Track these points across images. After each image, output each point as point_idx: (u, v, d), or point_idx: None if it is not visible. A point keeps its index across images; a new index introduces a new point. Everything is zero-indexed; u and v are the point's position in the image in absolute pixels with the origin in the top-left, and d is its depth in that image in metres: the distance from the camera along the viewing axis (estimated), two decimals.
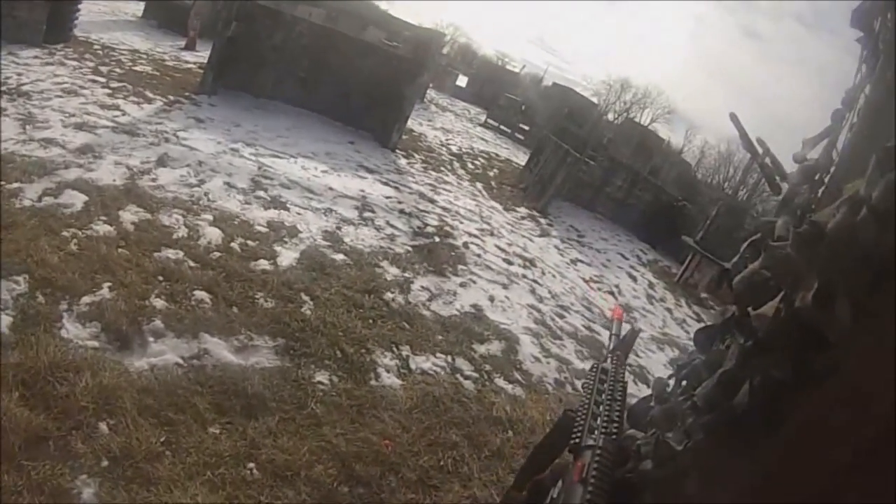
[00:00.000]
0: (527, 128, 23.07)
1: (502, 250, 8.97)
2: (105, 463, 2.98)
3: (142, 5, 21.82)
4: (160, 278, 4.69)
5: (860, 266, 0.67)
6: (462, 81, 36.33)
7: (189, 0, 18.43)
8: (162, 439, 3.17)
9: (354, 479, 3.41)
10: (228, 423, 3.44)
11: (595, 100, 39.52)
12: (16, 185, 5.48)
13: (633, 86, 51.97)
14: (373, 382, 4.35)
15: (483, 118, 26.07)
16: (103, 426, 3.18)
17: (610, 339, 1.50)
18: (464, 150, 17.17)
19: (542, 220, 12.25)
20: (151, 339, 3.99)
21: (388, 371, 4.58)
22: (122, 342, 3.91)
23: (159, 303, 4.37)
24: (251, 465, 3.21)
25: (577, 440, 1.02)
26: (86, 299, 4.16)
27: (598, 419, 1.07)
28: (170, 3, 19.88)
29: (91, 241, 4.91)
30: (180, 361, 3.85)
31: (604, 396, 1.14)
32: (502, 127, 24.70)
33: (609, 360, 1.30)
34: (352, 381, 4.24)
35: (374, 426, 3.83)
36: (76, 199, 5.52)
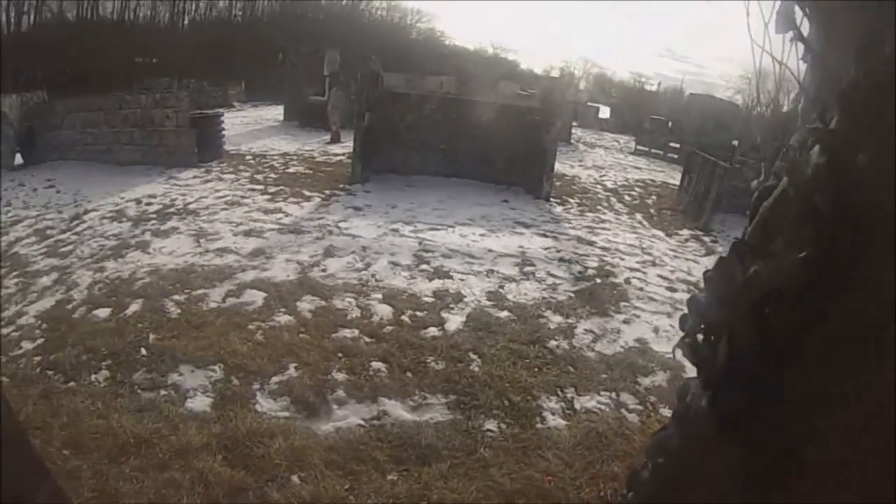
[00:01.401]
0: (677, 145, 22.38)
1: (665, 279, 8.94)
2: None
3: (281, 109, 23.82)
4: (339, 355, 5.41)
5: None
6: (605, 112, 35.82)
7: (323, 96, 19.88)
8: (346, 486, 3.77)
9: None
10: (405, 471, 3.97)
11: (739, 98, 37.46)
12: (200, 291, 6.63)
13: (771, 72, 48.89)
14: (538, 425, 4.65)
15: (633, 146, 25.54)
16: (295, 478, 3.83)
17: None
18: (618, 183, 17.00)
19: (706, 239, 11.97)
20: (335, 406, 4.69)
21: (553, 413, 4.85)
22: (310, 411, 4.63)
23: (340, 375, 5.08)
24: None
25: None
26: (275, 379, 4.99)
27: None
28: (307, 102, 21.35)
29: (274, 330, 5.80)
30: (362, 423, 4.49)
31: None
32: (653, 150, 23.98)
33: None
34: (518, 426, 4.57)
35: (539, 465, 4.12)
36: (256, 297, 6.51)
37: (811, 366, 0.93)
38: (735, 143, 16.65)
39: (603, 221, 12.21)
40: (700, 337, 1.18)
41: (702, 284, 1.25)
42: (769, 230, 1.07)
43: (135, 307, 6.29)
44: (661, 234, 11.88)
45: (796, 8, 1.14)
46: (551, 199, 13.23)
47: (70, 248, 8.82)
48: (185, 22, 41.20)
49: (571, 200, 13.72)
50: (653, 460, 1.40)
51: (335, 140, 18.09)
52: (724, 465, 1.10)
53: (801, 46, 1.14)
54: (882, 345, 0.86)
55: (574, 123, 27.58)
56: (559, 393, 5.20)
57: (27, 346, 5.62)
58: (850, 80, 0.90)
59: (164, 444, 4.08)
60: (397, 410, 4.66)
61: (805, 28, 1.12)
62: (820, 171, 0.94)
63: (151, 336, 5.63)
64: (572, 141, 24.90)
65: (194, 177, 13.33)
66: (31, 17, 33.84)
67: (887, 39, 0.84)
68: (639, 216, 13.24)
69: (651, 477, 1.35)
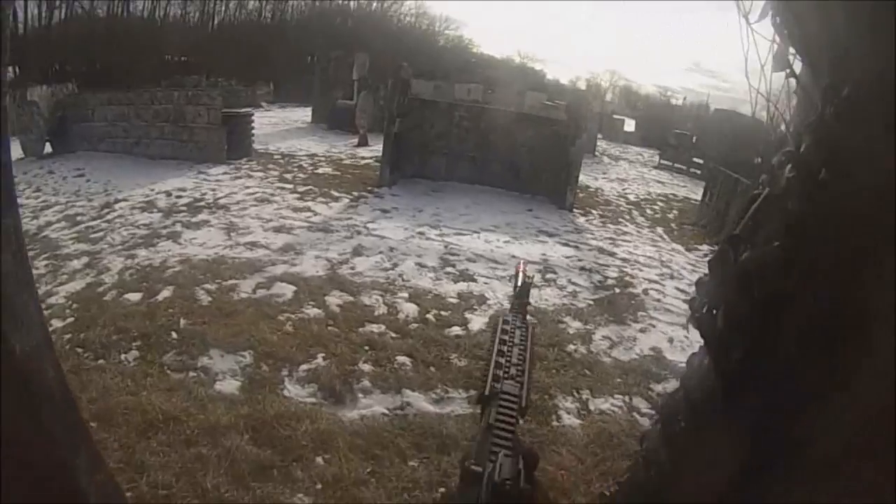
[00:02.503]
0: (700, 161, 22.31)
1: (682, 291, 9.04)
2: (319, 486, 3.79)
3: (308, 111, 24.00)
4: (366, 348, 5.64)
5: None
6: (630, 125, 35.65)
7: (351, 100, 20.10)
8: (368, 470, 3.96)
9: None
10: (425, 458, 4.17)
11: (764, 115, 37.06)
12: (231, 281, 6.86)
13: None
14: (554, 423, 4.83)
15: (657, 160, 25.50)
16: (319, 459, 4.02)
17: (514, 289, 1.61)
18: (641, 197, 17.11)
19: None
20: (361, 395, 4.90)
21: (568, 413, 5.03)
22: (336, 398, 4.84)
23: (366, 367, 5.29)
24: (442, 489, 3.86)
25: (484, 391, 1.08)
26: (303, 367, 5.20)
27: (502, 369, 1.13)
28: (335, 105, 21.52)
29: (303, 322, 6.03)
30: (386, 412, 4.69)
31: (505, 347, 1.20)
32: (676, 165, 23.82)
33: (510, 311, 1.37)
34: (535, 422, 4.74)
35: (553, 459, 4.29)
36: (286, 290, 6.73)
37: (791, 326, 1.17)
38: (758, 160, 16.60)
39: (624, 233, 12.34)
40: (704, 311, 1.43)
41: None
42: (756, 225, 1.32)
43: (166, 293, 6.51)
44: (680, 247, 11.97)
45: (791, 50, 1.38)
46: (574, 210, 13.36)
47: (100, 234, 9.08)
48: (215, 22, 41.57)
49: (594, 212, 13.86)
50: (662, 419, 1.62)
51: (362, 143, 18.26)
52: (728, 423, 1.31)
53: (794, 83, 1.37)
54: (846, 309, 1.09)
55: (599, 136, 27.60)
56: (575, 394, 5.37)
57: (57, 323, 5.79)
58: (817, 114, 1.16)
59: (192, 422, 4.25)
60: (420, 402, 4.87)
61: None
62: (790, 183, 1.20)
63: (182, 321, 5.85)
64: (597, 153, 24.96)
65: (224, 173, 13.59)
66: (62, 12, 34.34)
67: (847, 82, 1.09)
68: (660, 230, 13.35)
69: (660, 435, 1.57)
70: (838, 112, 1.11)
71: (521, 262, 1.57)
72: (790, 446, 1.15)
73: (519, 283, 1.61)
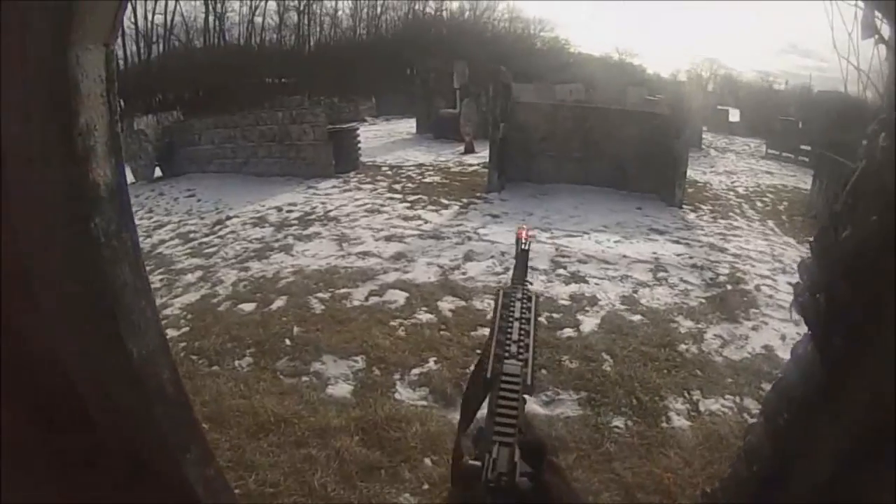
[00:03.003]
0: (808, 148, 21.10)
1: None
2: (426, 486, 3.84)
3: (413, 122, 24.28)
4: (478, 351, 5.65)
5: None
6: (735, 115, 34.19)
7: (454, 109, 20.21)
8: None
9: None
10: None
11: (869, 94, 34.55)
12: (344, 290, 7.08)
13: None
14: (663, 425, 4.78)
15: (763, 149, 24.48)
16: (427, 461, 4.08)
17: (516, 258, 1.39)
18: (750, 189, 16.52)
19: None
20: None
21: (678, 414, 4.96)
22: (447, 401, 4.93)
23: None
24: None
25: (486, 373, 0.99)
26: (415, 371, 5.34)
27: (505, 347, 1.04)
28: (439, 115, 21.66)
29: (416, 327, 6.17)
30: None
31: (505, 323, 1.10)
32: (784, 154, 22.75)
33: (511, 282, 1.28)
34: (644, 424, 4.72)
35: (660, 462, 4.25)
36: (398, 297, 6.89)
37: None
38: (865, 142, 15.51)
39: (735, 228, 11.97)
40: (807, 295, 1.37)
41: None
42: (854, 202, 1.25)
43: (279, 303, 6.84)
44: (792, 240, 11.51)
45: (877, 14, 1.30)
46: (684, 206, 13.07)
47: (213, 249, 9.58)
48: (311, 43, 42.83)
49: (704, 207, 13.52)
50: (765, 413, 1.57)
51: (469, 150, 18.44)
52: (833, 414, 1.26)
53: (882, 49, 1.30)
54: None
55: (704, 128, 26.73)
56: (685, 395, 5.28)
57: (172, 332, 6.13)
58: None
59: (302, 424, 4.43)
60: (530, 404, 4.87)
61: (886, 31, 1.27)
62: (886, 153, 1.13)
63: (296, 328, 6.13)
64: (703, 146, 24.26)
65: (333, 186, 14.03)
66: (160, 47, 36.27)
67: None
68: (770, 223, 12.90)
69: (763, 429, 1.53)
70: None
71: (522, 227, 1.46)
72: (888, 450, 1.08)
73: (519, 251, 1.46)
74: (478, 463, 0.77)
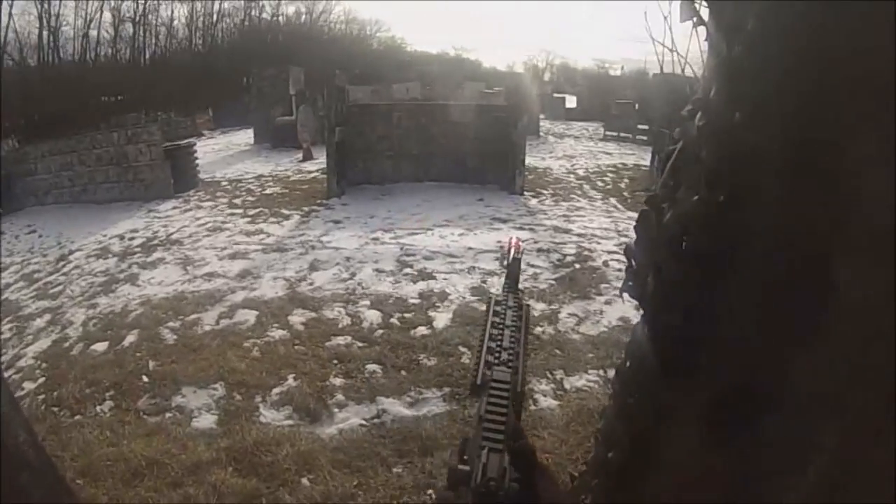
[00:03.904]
0: (645, 127, 22.49)
1: None
2: None
3: (251, 133, 23.86)
4: (335, 361, 5.62)
5: None
6: (572, 102, 35.81)
7: (291, 116, 19.98)
8: (354, 483, 3.96)
9: None
10: (409, 462, 4.17)
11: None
12: (193, 315, 6.83)
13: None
14: (532, 408, 4.81)
15: (602, 132, 25.66)
16: (304, 481, 4.03)
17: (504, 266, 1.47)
18: (590, 170, 17.19)
19: None
20: (336, 409, 4.89)
21: (544, 395, 5.04)
22: (312, 417, 4.83)
23: (338, 381, 5.29)
24: (430, 491, 3.86)
25: (476, 381, 1.00)
26: (276, 390, 5.19)
27: (494, 354, 1.06)
28: (276, 123, 21.44)
29: (270, 345, 6.00)
30: (363, 422, 4.69)
31: (496, 331, 1.12)
32: (622, 134, 24.00)
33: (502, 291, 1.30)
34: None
35: (535, 444, 4.30)
36: (249, 316, 6.69)
37: (727, 288, 1.12)
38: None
39: (578, 209, 12.37)
40: (636, 277, 1.39)
41: None
42: (674, 181, 1.28)
43: (131, 338, 6.44)
44: (635, 215, 11.80)
45: None
46: (525, 193, 13.37)
47: (59, 288, 8.94)
48: (146, 56, 41.00)
49: (545, 192, 13.88)
50: (614, 393, 1.60)
51: (307, 157, 18.16)
52: (679, 392, 1.27)
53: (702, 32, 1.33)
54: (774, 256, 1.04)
55: (542, 116, 27.75)
56: (549, 375, 5.38)
57: (29, 385, 5.75)
58: (722, 56, 1.11)
59: (175, 464, 4.23)
60: (396, 407, 4.85)
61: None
62: (702, 131, 1.16)
63: (151, 363, 5.80)
64: (541, 133, 25.07)
65: (173, 207, 13.45)
66: None
67: (749, 19, 1.04)
68: (613, 200, 13.42)
69: (614, 410, 1.55)
70: (746, 48, 1.06)
71: (512, 238, 1.47)
72: (754, 412, 1.09)
73: (509, 261, 1.50)
74: (467, 468, 0.80)
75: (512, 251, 1.47)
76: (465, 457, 0.85)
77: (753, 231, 1.07)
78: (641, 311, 1.43)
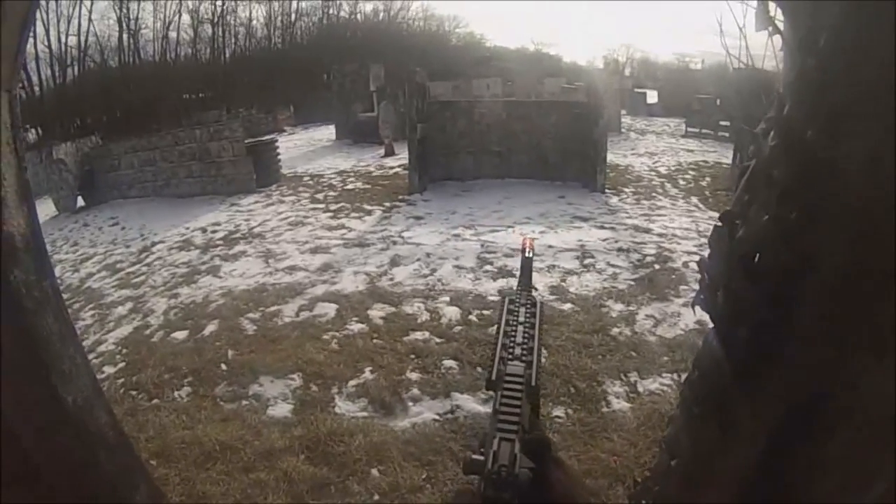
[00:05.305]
0: (727, 123, 21.74)
1: None
2: (376, 497, 3.86)
3: (332, 129, 24.10)
4: (412, 356, 5.70)
5: None
6: (653, 97, 34.90)
7: (372, 112, 20.15)
8: (423, 476, 4.03)
9: None
10: None
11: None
12: (274, 307, 7.01)
13: None
14: (604, 409, 4.80)
15: (683, 128, 24.92)
16: (374, 471, 4.10)
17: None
18: (672, 168, 16.80)
19: None
20: (411, 403, 4.96)
21: (617, 397, 5.00)
22: (387, 410, 4.91)
23: (414, 375, 5.36)
24: None
25: (491, 376, 1.04)
26: (352, 382, 5.30)
27: (509, 350, 1.08)
28: (357, 119, 21.61)
29: (348, 338, 6.12)
30: (436, 417, 4.74)
31: (510, 327, 1.15)
32: (703, 131, 23.26)
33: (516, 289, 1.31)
34: (584, 411, 4.74)
35: (604, 446, 4.28)
36: (329, 309, 6.84)
37: (800, 304, 1.12)
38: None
39: (659, 208, 12.15)
40: (708, 291, 1.41)
41: None
42: (748, 199, 1.29)
43: (212, 327, 6.71)
44: (716, 215, 11.44)
45: (773, 6, 1.33)
46: (606, 191, 13.20)
47: (142, 278, 9.36)
48: (227, 56, 42.13)
49: (626, 190, 13.68)
50: (681, 403, 1.60)
51: (389, 153, 18.36)
52: (746, 406, 1.28)
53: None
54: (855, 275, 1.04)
55: (623, 112, 27.21)
56: (623, 377, 5.32)
57: (109, 370, 6.05)
58: (795, 72, 1.11)
59: (248, 449, 4.38)
60: (469, 403, 4.90)
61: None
62: (774, 150, 1.16)
63: (230, 352, 6.03)
64: (623, 130, 24.62)
65: (255, 202, 13.84)
66: (75, 69, 35.11)
67: (825, 28, 1.04)
68: (694, 199, 13.12)
69: (680, 419, 1.56)
70: (819, 64, 1.06)
71: (526, 237, 1.51)
72: (814, 432, 1.09)
73: (523, 259, 1.53)
74: (481, 457, 0.82)
75: (528, 251, 1.51)
76: (482, 448, 0.88)
77: (828, 247, 1.07)
78: (713, 325, 1.44)
